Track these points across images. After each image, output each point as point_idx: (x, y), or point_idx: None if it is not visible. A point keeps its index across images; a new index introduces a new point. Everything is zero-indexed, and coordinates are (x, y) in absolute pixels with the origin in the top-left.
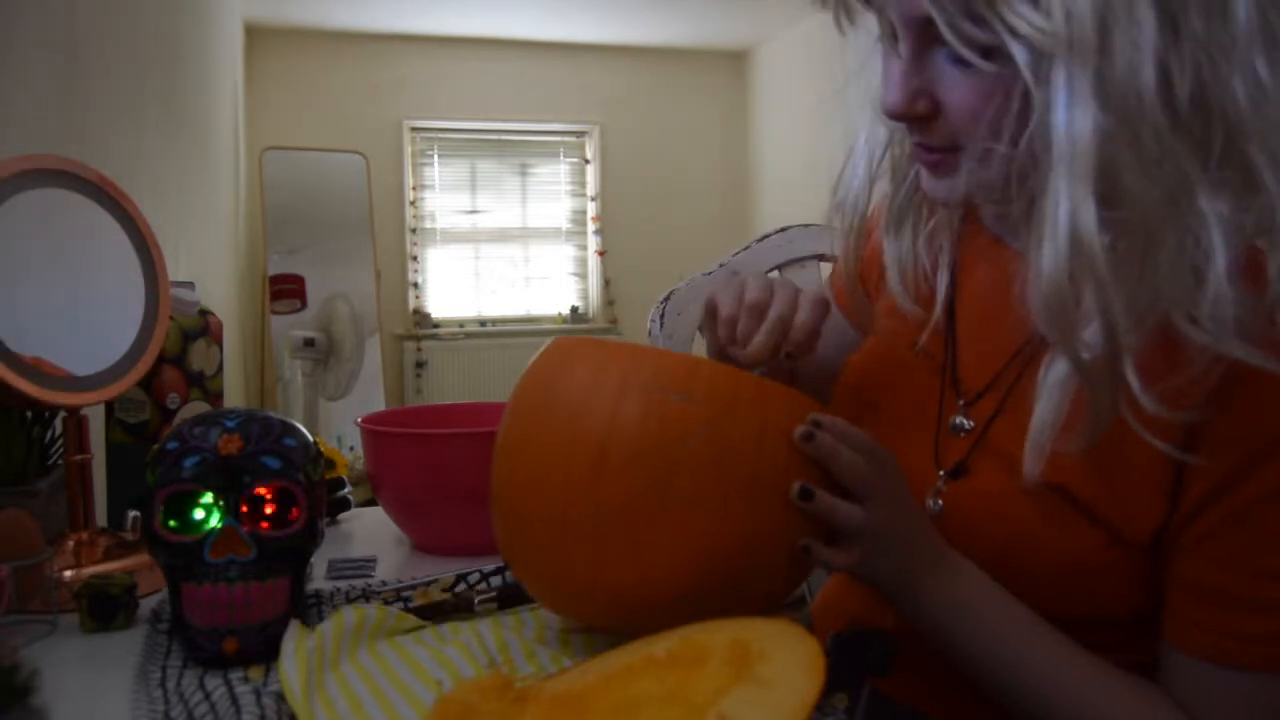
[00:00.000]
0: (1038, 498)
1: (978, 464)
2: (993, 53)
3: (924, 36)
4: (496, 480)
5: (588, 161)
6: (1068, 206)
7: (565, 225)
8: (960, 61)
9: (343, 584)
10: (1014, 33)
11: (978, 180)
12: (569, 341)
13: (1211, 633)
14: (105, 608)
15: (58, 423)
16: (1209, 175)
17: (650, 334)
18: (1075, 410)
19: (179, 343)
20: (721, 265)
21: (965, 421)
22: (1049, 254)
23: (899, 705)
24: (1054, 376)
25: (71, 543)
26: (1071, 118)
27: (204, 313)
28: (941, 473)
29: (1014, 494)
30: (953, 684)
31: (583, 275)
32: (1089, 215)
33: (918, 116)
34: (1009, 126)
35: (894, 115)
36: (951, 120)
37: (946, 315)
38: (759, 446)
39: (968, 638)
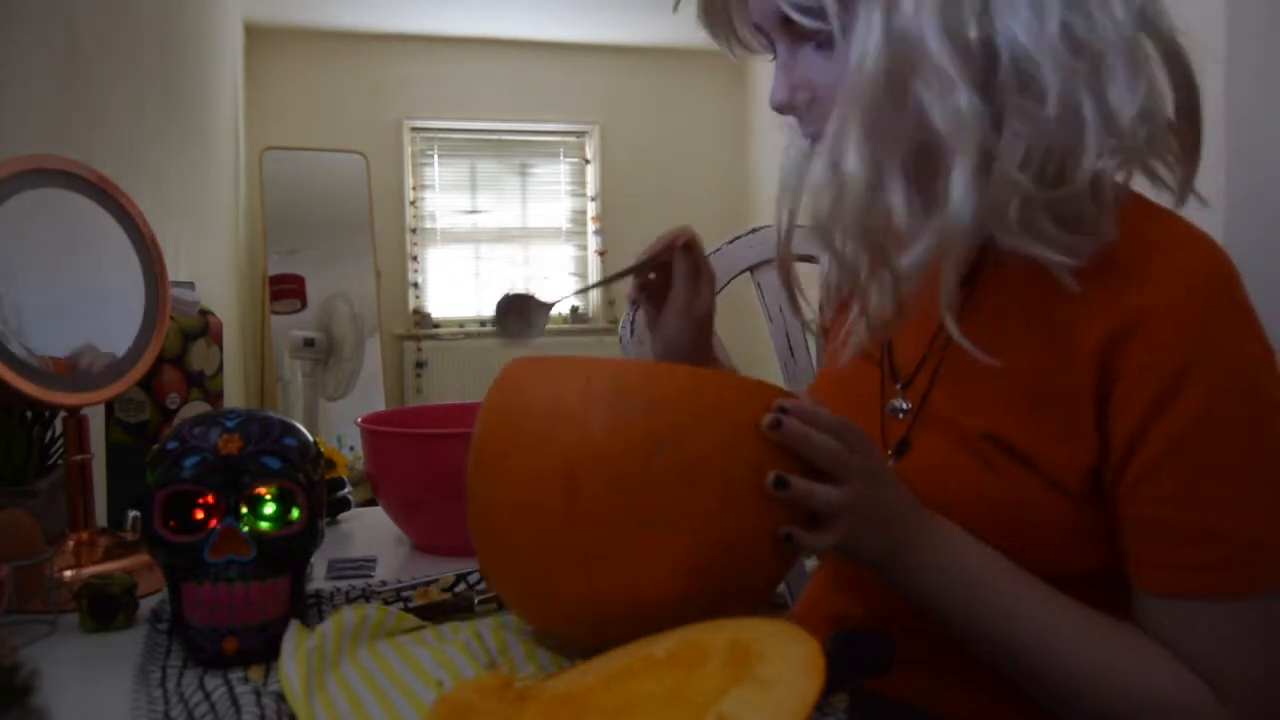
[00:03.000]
0: (975, 452)
1: (918, 437)
2: (821, 15)
3: (791, 33)
4: (473, 513)
5: (588, 161)
6: (835, 129)
7: (565, 225)
8: (823, 47)
9: (343, 584)
10: None
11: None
12: (522, 364)
13: (1171, 569)
14: (105, 608)
15: (58, 423)
16: (993, 92)
17: (621, 340)
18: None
19: (179, 343)
20: None
21: (902, 403)
22: (816, 167)
23: (887, 700)
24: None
25: (71, 543)
26: (861, 49)
27: (204, 313)
28: (889, 453)
29: (954, 455)
30: (941, 674)
31: (583, 275)
32: (852, 138)
33: (800, 106)
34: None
35: (779, 108)
36: (827, 101)
37: None
38: (728, 445)
39: (959, 598)
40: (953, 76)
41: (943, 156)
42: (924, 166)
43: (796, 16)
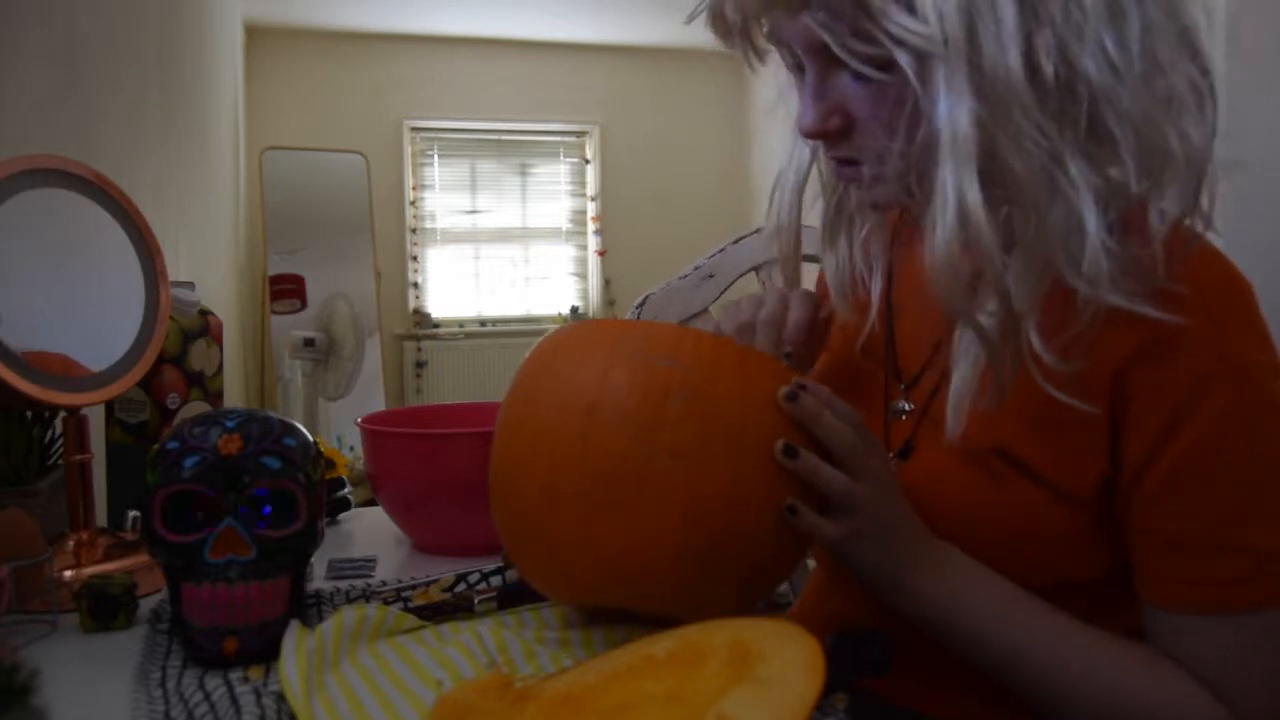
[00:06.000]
0: (982, 463)
1: (923, 441)
2: (886, 67)
3: (825, 60)
4: (494, 463)
5: (588, 161)
6: (954, 188)
7: (565, 225)
8: (861, 77)
9: (343, 584)
10: (897, 41)
11: (880, 176)
12: (565, 327)
13: (1189, 585)
14: (105, 608)
15: (58, 423)
16: (1078, 145)
17: None
18: (990, 370)
19: (179, 343)
20: (696, 268)
21: (906, 405)
22: (940, 233)
23: (884, 701)
24: (967, 340)
25: (71, 543)
26: (951, 109)
27: (204, 313)
28: (892, 455)
29: (960, 465)
30: (937, 677)
31: (583, 275)
32: (974, 195)
33: (832, 133)
34: (903, 125)
35: (810, 135)
36: (864, 131)
37: (885, 310)
38: (743, 407)
39: (968, 623)
40: (1038, 128)
41: (1024, 208)
42: (1001, 219)
43: (859, 67)
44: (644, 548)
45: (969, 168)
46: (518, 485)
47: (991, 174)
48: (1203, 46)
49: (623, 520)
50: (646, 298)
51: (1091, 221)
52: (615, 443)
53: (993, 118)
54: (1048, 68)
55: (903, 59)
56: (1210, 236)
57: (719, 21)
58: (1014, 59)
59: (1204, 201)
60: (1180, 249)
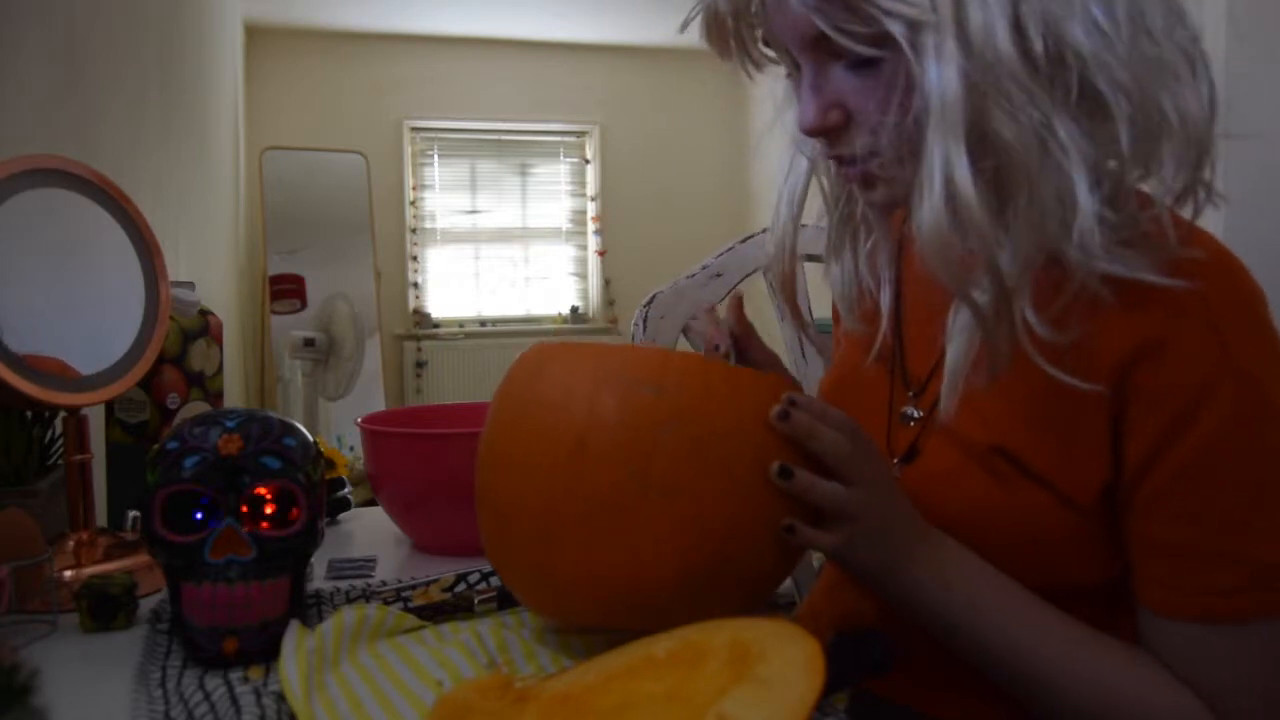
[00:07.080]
0: (985, 465)
1: (928, 445)
2: (880, 42)
3: (820, 53)
4: (480, 486)
5: (588, 161)
6: (941, 158)
7: (565, 225)
8: (857, 67)
9: (343, 584)
10: (888, 13)
11: (874, 149)
12: (543, 347)
13: (1186, 592)
14: (105, 608)
15: (58, 423)
16: (1069, 112)
17: (634, 338)
18: (984, 347)
19: (179, 343)
20: (704, 267)
21: (914, 411)
22: (928, 205)
23: (884, 701)
24: (962, 319)
25: (71, 543)
26: (941, 76)
27: (204, 313)
28: (896, 460)
29: (963, 466)
30: (937, 677)
31: (583, 275)
32: (961, 163)
33: (832, 128)
34: (896, 100)
35: (810, 131)
36: (862, 123)
37: (894, 317)
38: (735, 431)
39: (963, 617)
40: (1028, 95)
41: (1015, 177)
42: (993, 189)
43: (854, 46)
44: (644, 576)
45: (956, 136)
46: (509, 514)
47: (982, 144)
48: (1190, 16)
49: (621, 549)
50: (654, 296)
51: (1083, 189)
52: (609, 474)
53: (984, 85)
54: (1036, 39)
55: (896, 29)
56: (1212, 215)
57: (713, 27)
58: (1002, 29)
59: (1206, 173)
60: (1185, 228)
